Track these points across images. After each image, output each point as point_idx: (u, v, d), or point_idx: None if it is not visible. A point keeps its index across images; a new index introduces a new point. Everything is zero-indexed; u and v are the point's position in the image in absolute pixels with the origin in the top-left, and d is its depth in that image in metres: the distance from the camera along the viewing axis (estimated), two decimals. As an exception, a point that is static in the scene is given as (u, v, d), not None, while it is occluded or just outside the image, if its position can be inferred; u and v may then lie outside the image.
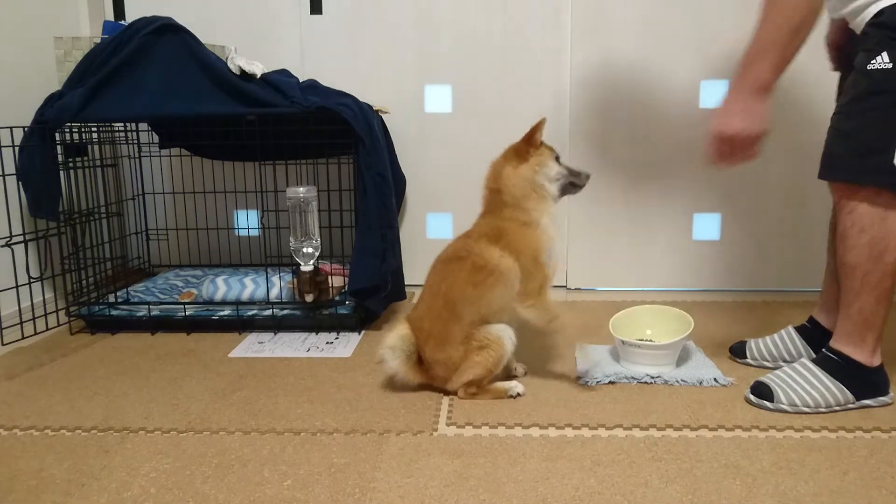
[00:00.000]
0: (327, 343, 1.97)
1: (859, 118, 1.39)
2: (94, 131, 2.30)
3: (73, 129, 2.15)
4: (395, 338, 1.56)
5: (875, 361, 1.48)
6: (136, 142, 2.49)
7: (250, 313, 2.08)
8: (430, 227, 2.58)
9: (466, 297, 1.53)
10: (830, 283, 1.69)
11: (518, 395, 1.57)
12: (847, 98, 1.42)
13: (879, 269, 1.39)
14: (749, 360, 1.75)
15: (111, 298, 2.17)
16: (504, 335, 1.54)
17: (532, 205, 1.56)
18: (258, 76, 1.99)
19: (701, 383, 1.63)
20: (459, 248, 1.58)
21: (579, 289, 2.58)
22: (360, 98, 2.22)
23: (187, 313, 2.07)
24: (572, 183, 1.62)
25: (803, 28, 1.35)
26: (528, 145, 1.58)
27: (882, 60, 1.34)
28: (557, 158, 1.61)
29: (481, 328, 1.53)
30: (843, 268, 1.44)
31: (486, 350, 1.52)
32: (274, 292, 2.14)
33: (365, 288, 2.01)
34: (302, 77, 2.32)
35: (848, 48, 1.54)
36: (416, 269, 2.54)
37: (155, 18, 1.97)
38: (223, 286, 2.17)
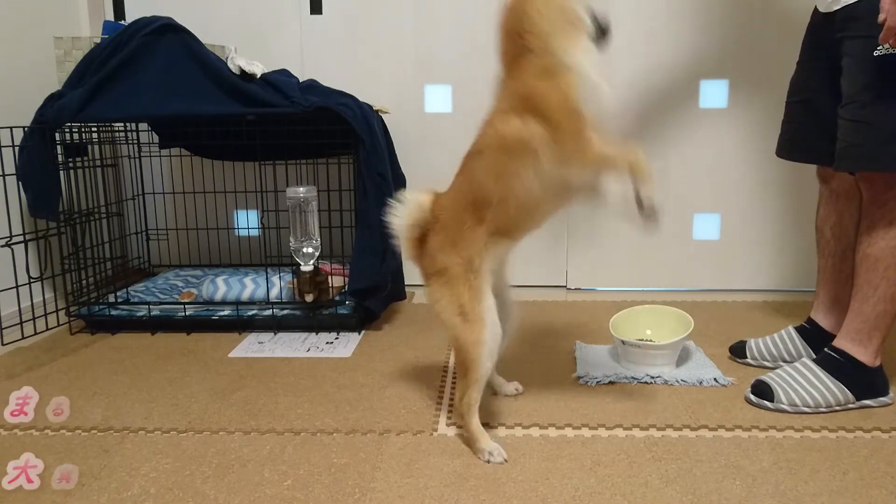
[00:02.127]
0: (327, 343, 1.97)
1: (875, 106, 1.38)
2: (94, 131, 2.30)
3: (73, 129, 2.14)
4: (412, 204, 1.36)
5: (877, 362, 1.48)
6: (136, 142, 2.49)
7: (250, 313, 2.08)
8: (430, 227, 2.58)
9: (489, 194, 1.27)
10: (825, 285, 1.69)
11: (489, 461, 1.28)
12: (857, 87, 1.40)
13: None
14: (749, 360, 1.75)
15: (111, 298, 2.17)
16: (487, 322, 1.29)
17: (563, 42, 1.22)
18: (258, 76, 1.99)
19: (701, 383, 1.63)
20: (481, 137, 1.33)
21: (579, 289, 2.58)
22: (360, 98, 2.21)
23: (187, 313, 2.07)
24: (599, 27, 1.28)
25: None
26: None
27: (886, 46, 1.33)
28: None
29: (478, 293, 1.29)
30: (866, 261, 1.44)
31: (467, 322, 1.28)
32: (274, 292, 2.14)
33: (365, 288, 2.01)
34: (302, 77, 2.32)
35: (823, 35, 1.53)
36: (415, 269, 2.54)
37: (155, 18, 1.97)
38: (223, 286, 2.17)
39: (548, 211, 1.34)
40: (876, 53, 1.35)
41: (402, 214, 1.36)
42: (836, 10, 1.45)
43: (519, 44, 1.26)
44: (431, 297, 1.35)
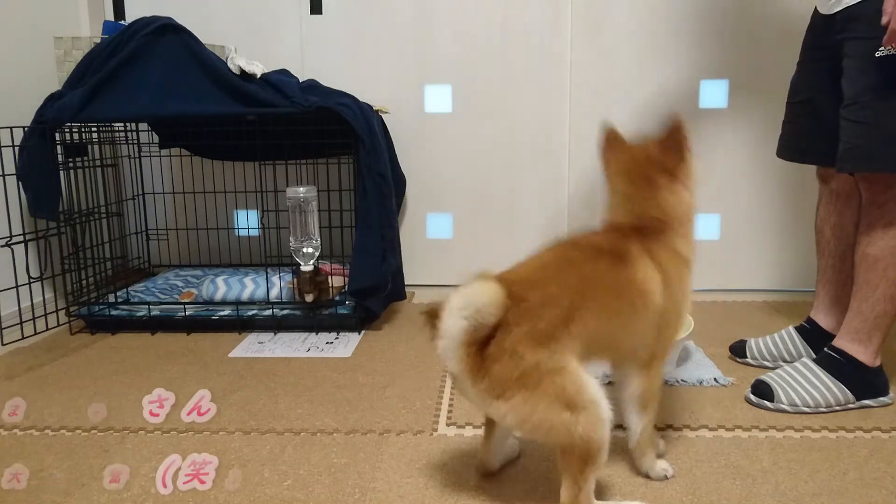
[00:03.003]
0: (327, 343, 1.97)
1: (878, 107, 1.38)
2: (94, 131, 2.30)
3: (73, 129, 2.14)
4: (484, 291, 1.01)
5: (877, 362, 1.48)
6: (136, 142, 2.49)
7: (250, 313, 2.08)
8: (430, 227, 2.58)
9: (605, 309, 1.09)
10: (824, 284, 1.69)
11: None
12: (859, 88, 1.40)
13: None
14: (749, 360, 1.75)
15: (111, 298, 2.17)
16: (600, 400, 1.04)
17: (689, 233, 1.21)
18: (258, 76, 1.99)
19: (701, 383, 1.62)
20: (619, 245, 1.15)
21: (579, 289, 2.58)
22: (360, 98, 2.22)
23: (187, 313, 2.07)
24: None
25: None
26: (679, 158, 1.24)
27: (888, 47, 1.33)
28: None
29: (573, 372, 1.03)
30: (865, 260, 1.44)
31: (581, 411, 1.02)
32: (274, 292, 2.14)
33: (365, 288, 2.01)
34: (302, 77, 2.32)
35: (823, 36, 1.53)
36: (415, 269, 2.54)
37: (155, 18, 1.97)
38: (223, 286, 2.17)
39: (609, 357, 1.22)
40: (878, 55, 1.35)
41: (470, 304, 1.00)
42: (837, 12, 1.45)
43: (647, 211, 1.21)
44: (518, 415, 1.02)
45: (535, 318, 1.02)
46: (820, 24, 1.56)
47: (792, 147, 1.68)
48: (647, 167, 1.22)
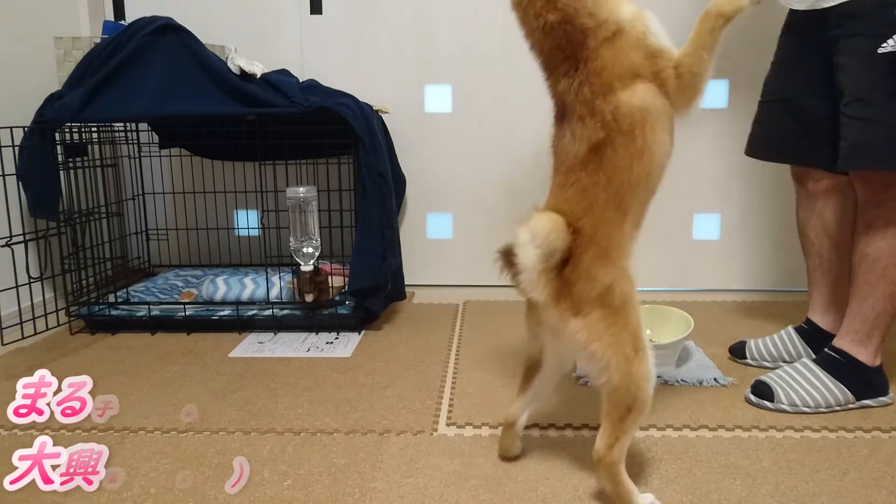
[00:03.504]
0: (327, 343, 1.97)
1: (883, 104, 1.37)
2: (94, 131, 2.30)
3: (73, 129, 2.14)
4: (549, 224, 1.07)
5: (876, 362, 1.48)
6: (136, 142, 2.49)
7: (250, 313, 2.08)
8: (430, 227, 2.58)
9: (633, 179, 1.13)
10: (816, 285, 1.69)
11: None
12: (861, 85, 1.39)
13: None
14: (749, 361, 1.75)
15: (111, 298, 2.17)
16: (651, 353, 1.12)
17: (608, 19, 1.16)
18: (258, 76, 1.99)
19: (701, 383, 1.63)
20: (594, 130, 1.13)
21: (579, 289, 2.58)
22: (360, 98, 2.21)
23: (187, 313, 2.07)
24: None
25: None
26: None
27: (892, 43, 1.32)
28: None
29: (638, 308, 1.12)
30: (864, 260, 1.44)
31: (640, 353, 1.09)
32: (274, 292, 2.14)
33: (365, 288, 2.01)
34: (302, 77, 2.32)
35: (808, 34, 1.53)
36: (415, 269, 2.54)
37: (155, 18, 1.97)
38: (223, 286, 2.17)
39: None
40: (880, 51, 1.34)
41: (539, 238, 1.06)
42: (828, 8, 1.44)
43: (570, 31, 1.15)
44: (589, 332, 1.08)
45: (595, 244, 1.09)
46: (804, 22, 1.54)
47: (764, 146, 1.67)
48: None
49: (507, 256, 1.10)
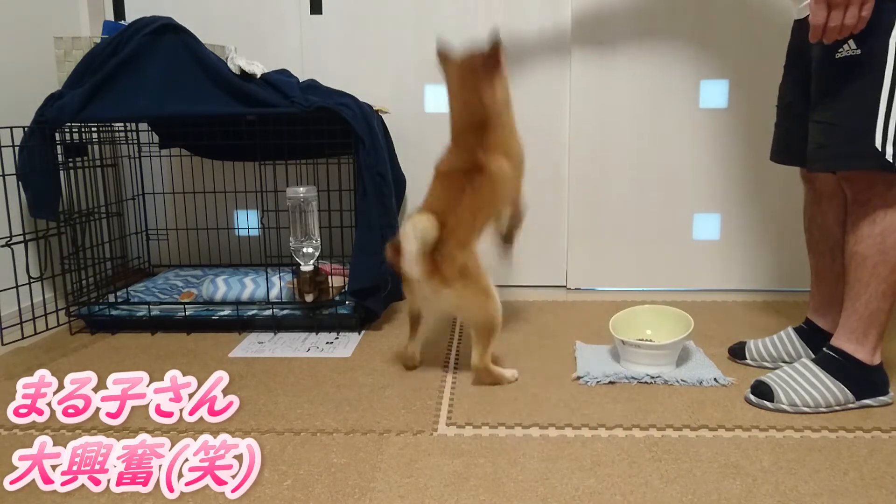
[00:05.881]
0: (327, 343, 1.97)
1: (839, 107, 1.40)
2: (94, 131, 2.30)
3: (73, 129, 2.14)
4: (426, 223, 1.52)
5: (875, 360, 1.48)
6: (136, 142, 2.49)
7: (250, 313, 2.08)
8: (430, 227, 2.58)
9: (489, 208, 1.67)
10: (818, 285, 1.70)
11: (514, 378, 1.67)
12: (822, 89, 1.44)
13: (889, 261, 1.40)
14: (748, 361, 1.75)
15: (111, 298, 2.17)
16: (497, 293, 1.62)
17: (509, 113, 1.71)
18: (258, 76, 1.99)
19: (701, 383, 1.63)
20: (471, 162, 1.65)
21: (579, 289, 2.58)
22: (360, 98, 2.21)
23: (187, 313, 2.07)
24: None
25: None
26: (496, 68, 1.66)
27: (850, 47, 1.36)
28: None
29: (485, 271, 1.61)
30: (854, 258, 1.44)
31: (492, 298, 1.60)
32: (274, 292, 2.14)
33: (365, 288, 2.01)
34: (302, 77, 2.32)
35: (799, 41, 1.56)
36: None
37: (155, 18, 1.97)
38: (223, 286, 2.17)
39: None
40: (837, 56, 1.38)
41: (419, 233, 1.51)
42: (806, 16, 1.46)
43: (481, 114, 1.67)
44: (456, 297, 1.57)
45: (455, 236, 1.56)
46: (797, 29, 1.60)
47: (779, 150, 1.71)
48: (471, 73, 1.67)
49: (395, 247, 1.54)
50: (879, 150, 1.35)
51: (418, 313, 1.72)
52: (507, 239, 1.86)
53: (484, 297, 1.59)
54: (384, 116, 2.37)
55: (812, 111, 1.47)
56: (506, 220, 1.83)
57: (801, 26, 1.55)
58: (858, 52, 1.35)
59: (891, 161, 1.35)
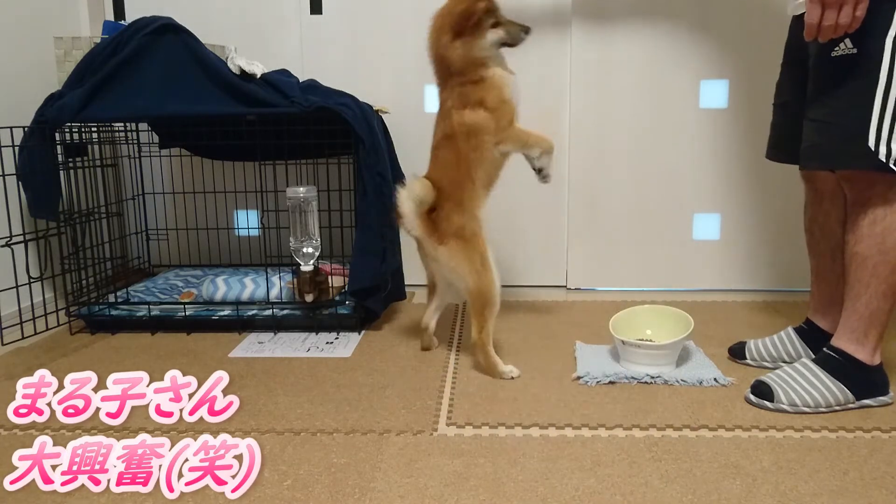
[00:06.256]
0: (327, 343, 1.97)
1: (834, 105, 1.40)
2: (94, 131, 2.30)
3: (73, 129, 2.14)
4: (419, 185, 1.66)
5: (875, 360, 1.48)
6: (136, 142, 2.49)
7: (250, 313, 2.08)
8: (430, 227, 2.58)
9: (472, 161, 1.70)
10: (818, 285, 1.70)
11: (511, 378, 1.67)
12: (817, 87, 1.44)
13: (889, 261, 1.40)
14: (748, 361, 1.75)
15: (111, 298, 2.17)
16: (495, 268, 1.69)
17: (477, 69, 1.71)
18: (258, 76, 1.99)
19: (701, 383, 1.63)
20: (447, 127, 1.74)
21: (579, 289, 2.58)
22: (360, 98, 2.21)
23: (187, 313, 2.07)
24: (506, 43, 1.76)
25: None
26: (464, 25, 1.68)
27: (846, 46, 1.36)
28: (495, 24, 1.72)
29: (487, 245, 1.69)
30: (854, 259, 1.44)
31: (486, 269, 1.67)
32: (274, 292, 2.14)
33: (365, 288, 2.01)
34: (302, 77, 2.32)
35: (796, 38, 1.56)
36: (416, 269, 2.52)
37: (155, 18, 1.97)
38: (223, 286, 2.17)
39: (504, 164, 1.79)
40: (833, 54, 1.38)
41: (413, 195, 1.64)
42: (801, 14, 1.46)
43: (445, 66, 1.74)
44: (449, 255, 1.67)
45: (451, 196, 1.67)
46: (794, 27, 1.60)
47: (775, 148, 1.71)
48: (439, 26, 1.74)
49: (398, 211, 1.67)
50: (873, 149, 1.35)
51: (433, 280, 1.83)
52: (540, 172, 1.81)
53: (479, 264, 1.66)
54: (384, 116, 2.37)
55: (807, 109, 1.47)
56: (533, 157, 1.77)
57: (797, 23, 1.56)
58: (855, 51, 1.35)
59: (884, 161, 1.35)
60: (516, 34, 1.76)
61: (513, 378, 1.67)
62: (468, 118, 1.69)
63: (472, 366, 1.72)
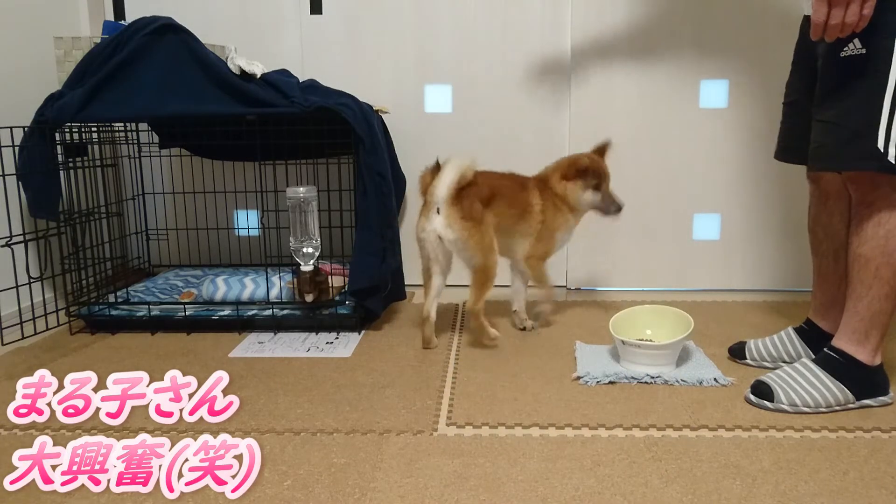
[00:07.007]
0: (327, 343, 1.97)
1: (841, 106, 1.40)
2: (94, 131, 2.30)
3: (73, 129, 2.14)
4: (469, 161, 1.82)
5: (876, 361, 1.48)
6: (136, 142, 2.49)
7: (250, 313, 2.08)
8: (430, 227, 2.58)
9: (508, 219, 1.93)
10: (820, 285, 1.69)
11: (494, 338, 1.89)
12: (826, 88, 1.43)
13: (892, 264, 1.40)
14: (748, 361, 1.75)
15: (111, 298, 2.17)
16: (497, 255, 1.90)
17: (569, 204, 2.00)
18: (258, 76, 1.99)
19: (701, 383, 1.63)
20: (528, 193, 1.98)
21: (579, 289, 2.58)
22: (360, 98, 2.21)
23: (187, 313, 2.07)
24: (599, 209, 2.02)
25: None
26: (569, 174, 1.99)
27: (855, 46, 1.35)
28: (597, 186, 1.98)
29: (492, 232, 1.87)
30: (857, 260, 1.44)
31: (491, 251, 1.85)
32: (274, 292, 2.14)
33: (365, 288, 2.01)
34: (302, 77, 2.32)
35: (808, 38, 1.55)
36: (416, 269, 2.52)
37: (155, 18, 1.97)
38: (223, 286, 2.17)
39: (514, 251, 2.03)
40: (842, 55, 1.38)
41: (460, 169, 1.78)
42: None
43: (556, 178, 2.01)
44: (468, 233, 1.80)
45: (479, 193, 1.84)
46: (805, 27, 1.59)
47: (784, 148, 1.70)
48: (559, 165, 2.04)
49: (433, 169, 1.84)
50: (882, 150, 1.35)
51: (428, 265, 1.91)
52: (536, 317, 2.11)
53: (489, 247, 1.84)
54: (384, 116, 2.37)
55: (816, 109, 1.46)
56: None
57: (808, 23, 1.54)
58: (864, 51, 1.35)
59: (893, 162, 1.35)
60: (608, 207, 2.00)
61: (495, 339, 1.89)
62: (536, 211, 1.96)
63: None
